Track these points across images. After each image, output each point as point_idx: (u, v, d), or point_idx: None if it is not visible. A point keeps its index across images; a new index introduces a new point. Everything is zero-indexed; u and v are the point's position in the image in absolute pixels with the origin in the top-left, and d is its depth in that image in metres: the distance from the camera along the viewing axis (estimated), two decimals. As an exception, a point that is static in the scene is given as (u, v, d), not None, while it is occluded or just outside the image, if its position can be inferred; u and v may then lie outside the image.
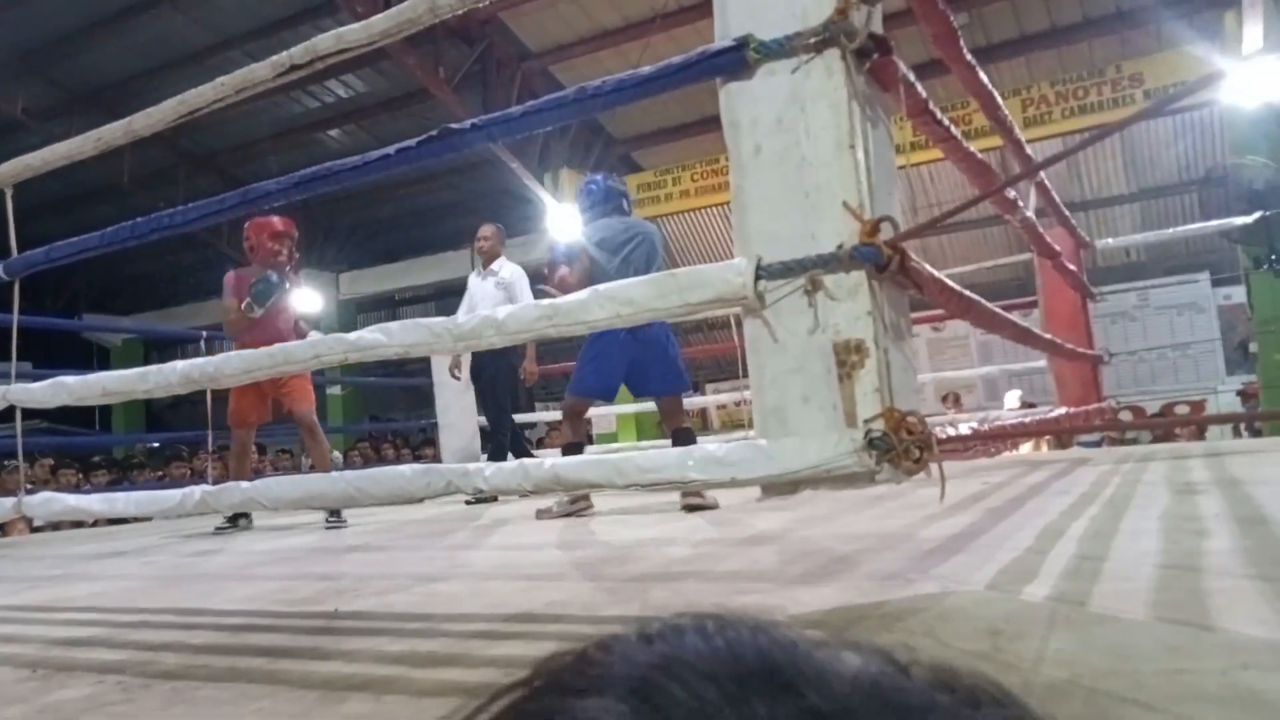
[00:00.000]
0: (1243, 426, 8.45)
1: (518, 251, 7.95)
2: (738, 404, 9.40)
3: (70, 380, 2.52)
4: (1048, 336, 4.65)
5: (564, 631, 1.63)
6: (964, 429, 2.22)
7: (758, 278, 1.44)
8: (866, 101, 1.46)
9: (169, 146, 12.49)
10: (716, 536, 2.90)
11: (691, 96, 9.68)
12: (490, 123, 1.93)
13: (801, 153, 1.44)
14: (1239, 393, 9.80)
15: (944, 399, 9.33)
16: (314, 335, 2.01)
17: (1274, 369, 8.16)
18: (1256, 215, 7.07)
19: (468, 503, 5.06)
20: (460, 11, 1.99)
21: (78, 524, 5.74)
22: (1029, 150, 4.26)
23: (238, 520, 4.56)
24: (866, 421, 1.36)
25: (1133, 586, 1.57)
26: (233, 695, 1.38)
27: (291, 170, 2.25)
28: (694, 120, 11.54)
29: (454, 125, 1.91)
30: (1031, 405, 7.81)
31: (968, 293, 2.07)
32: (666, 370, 3.93)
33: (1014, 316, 3.27)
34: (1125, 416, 6.36)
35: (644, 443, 9.67)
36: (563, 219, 9.81)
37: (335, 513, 4.43)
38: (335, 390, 13.88)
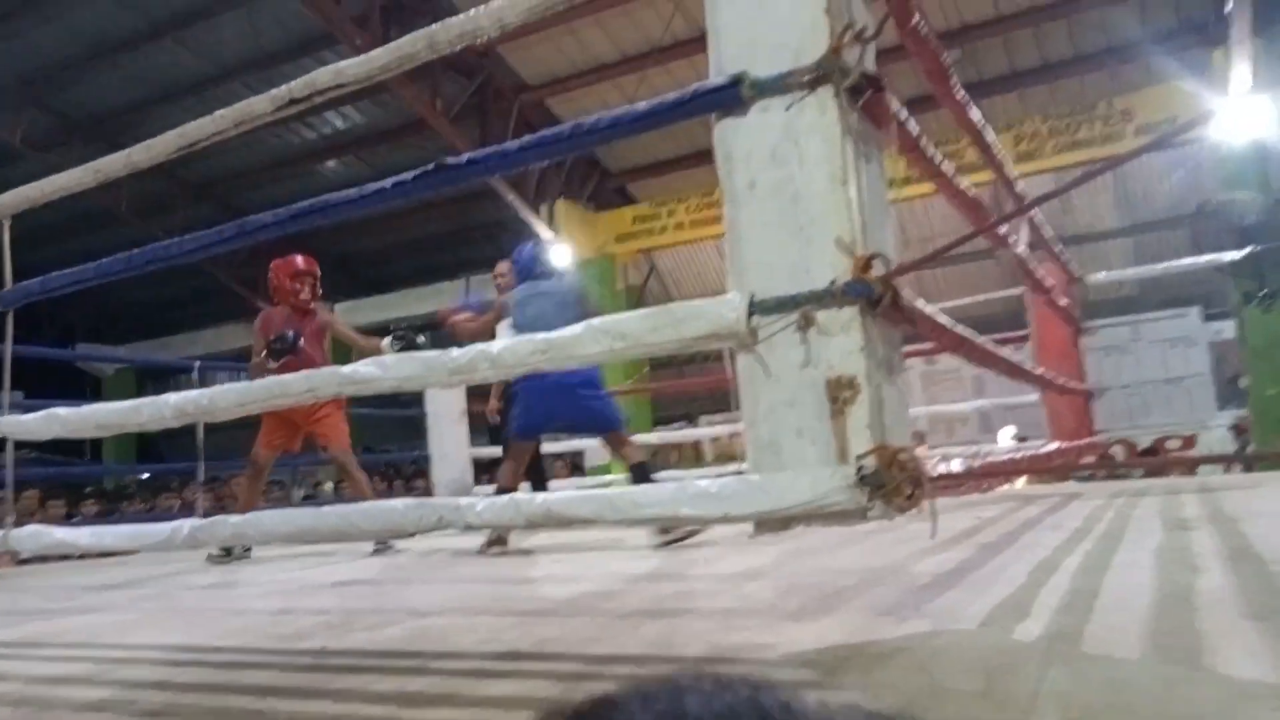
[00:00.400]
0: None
1: (508, 283, 7.91)
2: (731, 437, 9.38)
3: (63, 412, 2.50)
4: (1039, 372, 4.66)
5: (555, 670, 1.61)
6: (956, 466, 2.22)
7: (751, 313, 1.45)
8: (860, 137, 1.47)
9: (167, 175, 12.55)
10: (707, 572, 2.89)
11: (686, 130, 9.76)
12: (487, 157, 1.95)
13: (795, 188, 1.45)
14: (1231, 427, 9.82)
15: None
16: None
17: (1265, 403, 8.18)
18: (1247, 250, 7.13)
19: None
20: (459, 47, 2.01)
21: (64, 555, 5.68)
22: (1022, 185, 4.30)
23: (231, 549, 4.49)
24: (858, 458, 1.36)
25: (1127, 623, 1.56)
26: (218, 733, 1.36)
27: (290, 200, 2.25)
28: (689, 153, 11.62)
29: (450, 160, 1.91)
30: (1024, 439, 7.80)
31: (960, 328, 2.07)
32: (594, 412, 4.10)
33: (1007, 349, 3.29)
34: (1117, 450, 6.36)
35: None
36: (557, 251, 9.82)
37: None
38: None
